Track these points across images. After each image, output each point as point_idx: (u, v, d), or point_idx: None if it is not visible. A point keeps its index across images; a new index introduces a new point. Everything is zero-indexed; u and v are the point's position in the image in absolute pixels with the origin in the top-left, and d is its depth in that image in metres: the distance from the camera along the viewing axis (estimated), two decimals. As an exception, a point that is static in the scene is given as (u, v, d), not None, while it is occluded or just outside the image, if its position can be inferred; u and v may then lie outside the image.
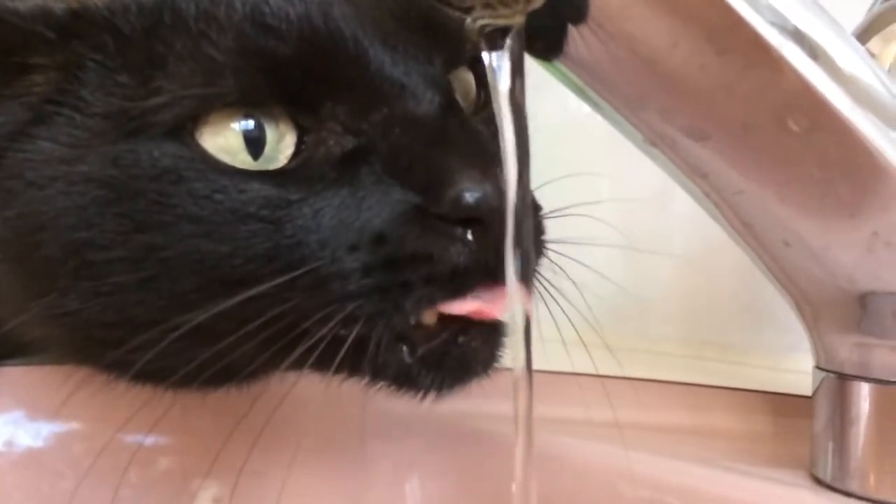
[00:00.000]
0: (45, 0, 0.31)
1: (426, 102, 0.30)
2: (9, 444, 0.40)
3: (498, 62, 0.24)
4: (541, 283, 0.33)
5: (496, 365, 0.31)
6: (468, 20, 0.24)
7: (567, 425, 0.42)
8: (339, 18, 0.29)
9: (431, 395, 0.31)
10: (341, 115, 0.29)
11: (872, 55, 0.39)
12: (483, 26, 0.24)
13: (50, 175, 0.30)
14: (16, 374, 0.40)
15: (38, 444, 0.40)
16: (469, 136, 0.30)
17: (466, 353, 0.30)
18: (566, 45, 0.29)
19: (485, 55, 0.24)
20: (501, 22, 0.24)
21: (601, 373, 0.45)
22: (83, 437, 0.40)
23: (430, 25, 0.28)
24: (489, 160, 0.28)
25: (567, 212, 0.34)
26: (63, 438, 0.40)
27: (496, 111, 0.25)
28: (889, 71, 0.39)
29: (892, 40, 0.39)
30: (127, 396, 0.36)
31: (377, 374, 0.30)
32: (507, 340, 0.31)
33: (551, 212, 0.34)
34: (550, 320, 0.34)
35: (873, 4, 0.42)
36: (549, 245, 0.33)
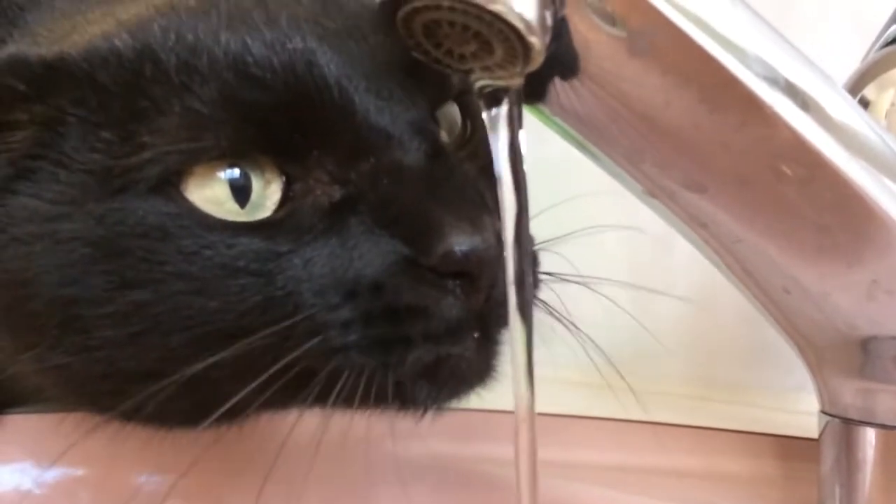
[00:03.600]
0: (20, 49, 0.30)
1: (413, 151, 0.29)
2: (16, 491, 0.40)
3: (496, 120, 0.25)
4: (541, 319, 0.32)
5: (494, 375, 0.31)
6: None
7: (571, 469, 0.41)
8: (324, 66, 0.29)
9: (430, 410, 0.30)
10: (328, 164, 0.29)
11: (868, 102, 0.40)
12: (482, 87, 0.25)
13: (34, 232, 0.29)
14: (21, 423, 0.40)
15: (45, 490, 0.40)
16: (457, 183, 0.30)
17: (461, 364, 0.29)
18: (548, 92, 0.29)
19: (484, 113, 0.25)
20: (500, 83, 0.24)
21: (606, 415, 0.45)
22: (88, 484, 0.40)
23: (416, 66, 0.27)
24: (479, 208, 0.28)
25: (571, 263, 0.35)
26: (68, 485, 0.40)
27: (496, 167, 0.25)
28: (886, 117, 0.39)
29: (888, 87, 0.40)
30: (131, 442, 0.36)
31: (376, 401, 0.29)
32: (503, 349, 0.31)
33: (545, 242, 0.34)
34: (554, 363, 0.34)
35: (868, 52, 0.42)
36: (545, 278, 0.33)
